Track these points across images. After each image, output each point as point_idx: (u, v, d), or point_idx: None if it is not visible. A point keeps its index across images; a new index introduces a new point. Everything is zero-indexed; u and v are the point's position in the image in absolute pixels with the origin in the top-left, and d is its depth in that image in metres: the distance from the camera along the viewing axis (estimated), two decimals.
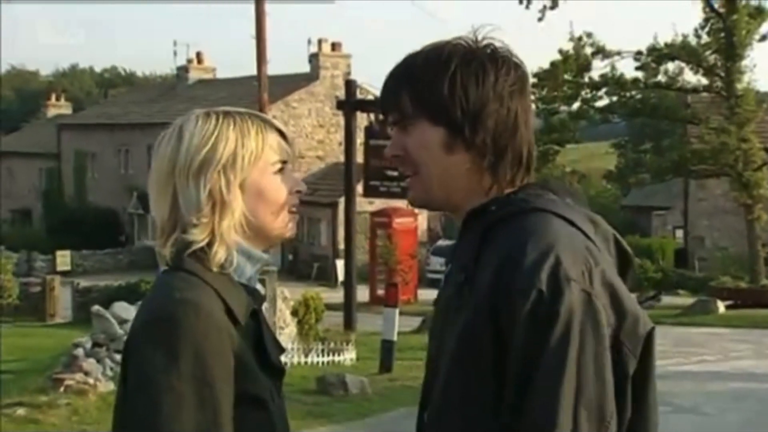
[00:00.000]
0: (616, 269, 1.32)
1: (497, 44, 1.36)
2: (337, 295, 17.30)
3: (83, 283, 21.41)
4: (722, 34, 20.42)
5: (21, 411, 6.99)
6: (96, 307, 9.18)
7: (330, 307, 14.58)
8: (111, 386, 7.92)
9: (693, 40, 21.00)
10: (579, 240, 1.27)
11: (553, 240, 1.23)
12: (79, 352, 8.38)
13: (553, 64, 20.94)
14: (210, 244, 1.35)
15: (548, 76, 20.94)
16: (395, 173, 12.12)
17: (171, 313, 1.28)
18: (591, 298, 1.21)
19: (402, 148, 1.36)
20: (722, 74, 20.77)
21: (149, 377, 1.25)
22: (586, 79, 21.62)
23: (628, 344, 1.24)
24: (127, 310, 8.97)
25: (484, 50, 1.35)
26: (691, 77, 21.98)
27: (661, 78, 21.74)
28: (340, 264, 22.43)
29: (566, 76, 21.10)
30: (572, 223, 1.29)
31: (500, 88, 1.32)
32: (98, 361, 8.30)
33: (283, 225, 1.43)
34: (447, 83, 1.31)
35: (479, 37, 1.36)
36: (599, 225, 1.34)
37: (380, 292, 19.13)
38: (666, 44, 20.94)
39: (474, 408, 1.23)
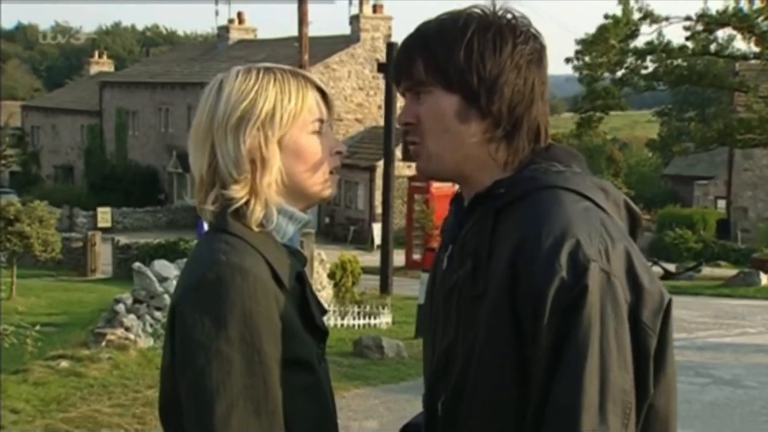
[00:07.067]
0: (627, 232, 1.29)
1: (515, 13, 1.32)
2: (372, 259, 17.35)
3: (123, 240, 21.76)
4: None
5: (64, 363, 7.13)
6: (137, 264, 9.28)
7: (366, 270, 14.62)
8: (151, 342, 8.05)
9: (745, 6, 20.42)
10: (593, 215, 1.22)
11: (567, 220, 1.19)
12: (121, 308, 8.50)
13: (603, 27, 20.46)
14: (248, 202, 1.33)
15: (597, 40, 20.49)
16: None
17: (218, 277, 1.25)
18: (610, 278, 1.18)
19: (414, 115, 1.32)
20: None
21: (198, 342, 1.23)
22: (631, 47, 21.15)
23: (648, 323, 1.19)
24: (168, 268, 9.07)
25: (502, 19, 1.30)
26: (741, 44, 21.43)
27: (710, 46, 21.19)
28: (376, 228, 22.45)
29: (613, 42, 20.66)
30: (584, 196, 1.24)
31: (518, 58, 1.28)
32: (139, 317, 8.43)
33: (321, 184, 1.40)
34: (463, 50, 1.27)
35: (497, 7, 1.32)
36: (609, 191, 1.30)
37: (416, 256, 19.14)
38: (718, 11, 20.38)
39: (497, 410, 1.20)
